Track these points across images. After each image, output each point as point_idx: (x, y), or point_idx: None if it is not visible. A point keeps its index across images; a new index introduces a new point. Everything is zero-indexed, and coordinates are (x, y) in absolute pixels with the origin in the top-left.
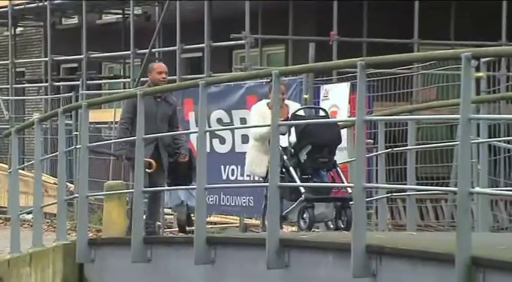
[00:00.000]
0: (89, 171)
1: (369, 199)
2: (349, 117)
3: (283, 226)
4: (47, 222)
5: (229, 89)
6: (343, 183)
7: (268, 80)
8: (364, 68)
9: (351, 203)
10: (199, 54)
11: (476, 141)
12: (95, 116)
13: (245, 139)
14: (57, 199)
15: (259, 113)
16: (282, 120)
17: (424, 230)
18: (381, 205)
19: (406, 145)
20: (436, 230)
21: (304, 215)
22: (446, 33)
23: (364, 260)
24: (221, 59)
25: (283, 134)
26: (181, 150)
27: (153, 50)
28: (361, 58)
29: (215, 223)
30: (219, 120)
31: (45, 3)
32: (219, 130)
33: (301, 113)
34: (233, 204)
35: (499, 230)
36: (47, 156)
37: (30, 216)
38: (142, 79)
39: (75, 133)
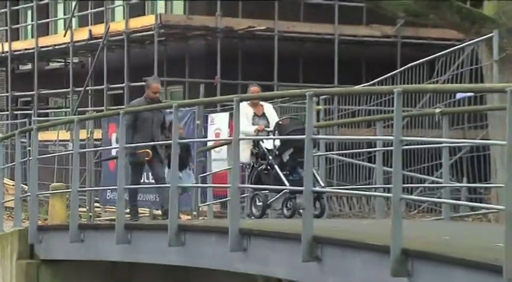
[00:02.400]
0: (38, 176)
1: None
2: (229, 137)
3: (267, 212)
4: (7, 214)
5: None
6: (316, 178)
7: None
8: (239, 101)
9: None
10: (121, 91)
11: (317, 154)
12: (43, 136)
13: None
14: (14, 196)
15: (243, 112)
16: (259, 115)
17: (281, 217)
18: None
19: None
20: None
21: (288, 204)
22: (297, 77)
23: (238, 239)
24: (136, 94)
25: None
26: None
27: (87, 88)
28: (237, 95)
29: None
30: None
31: (7, 54)
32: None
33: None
34: (145, 199)
35: (333, 217)
36: (8, 165)
37: None
38: (79, 109)
39: (28, 148)
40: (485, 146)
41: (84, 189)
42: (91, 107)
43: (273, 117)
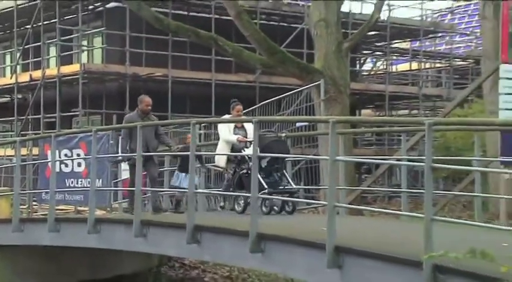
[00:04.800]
0: None
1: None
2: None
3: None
4: None
5: (70, 138)
6: (288, 181)
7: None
8: (141, 128)
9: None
10: (54, 119)
11: (199, 166)
12: None
13: (80, 164)
14: None
15: (226, 125)
16: (239, 127)
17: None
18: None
19: None
20: None
21: (266, 203)
22: (185, 110)
23: (140, 227)
24: (66, 122)
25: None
26: (170, 144)
27: (27, 117)
28: (139, 123)
29: (62, 209)
30: (66, 155)
31: None
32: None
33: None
34: (72, 199)
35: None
36: None
37: None
38: (22, 132)
39: None
40: (316, 160)
41: (24, 192)
42: (31, 131)
43: (250, 129)
